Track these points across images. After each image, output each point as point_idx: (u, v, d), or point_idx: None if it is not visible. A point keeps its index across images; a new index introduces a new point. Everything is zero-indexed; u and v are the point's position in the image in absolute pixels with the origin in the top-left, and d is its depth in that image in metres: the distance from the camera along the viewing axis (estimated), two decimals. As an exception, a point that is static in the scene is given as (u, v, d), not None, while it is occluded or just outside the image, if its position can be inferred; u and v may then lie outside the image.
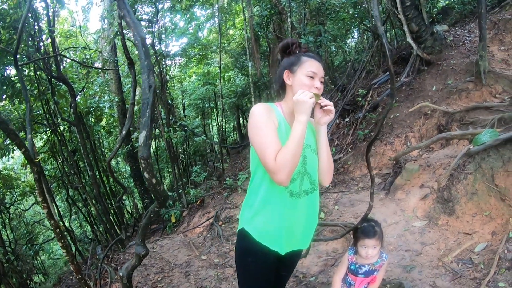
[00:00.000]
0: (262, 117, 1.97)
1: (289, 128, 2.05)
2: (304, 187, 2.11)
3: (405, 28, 7.56)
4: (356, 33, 13.40)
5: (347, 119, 8.36)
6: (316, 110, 2.14)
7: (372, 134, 7.30)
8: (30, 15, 6.97)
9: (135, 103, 6.67)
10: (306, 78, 2.05)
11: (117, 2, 2.01)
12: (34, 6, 7.29)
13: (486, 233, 4.06)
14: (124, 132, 4.47)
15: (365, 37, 11.66)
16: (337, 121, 8.51)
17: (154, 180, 1.98)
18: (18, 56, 5.07)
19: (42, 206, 4.36)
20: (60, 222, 8.35)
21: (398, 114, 7.09)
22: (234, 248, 2.22)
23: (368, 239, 2.69)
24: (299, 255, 2.38)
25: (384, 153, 6.74)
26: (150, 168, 1.94)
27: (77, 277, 4.66)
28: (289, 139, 1.91)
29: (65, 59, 9.50)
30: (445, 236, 4.31)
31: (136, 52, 10.40)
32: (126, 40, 6.20)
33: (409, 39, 7.58)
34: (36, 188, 4.29)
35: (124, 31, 7.35)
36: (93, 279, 6.14)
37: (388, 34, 10.42)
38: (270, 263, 2.12)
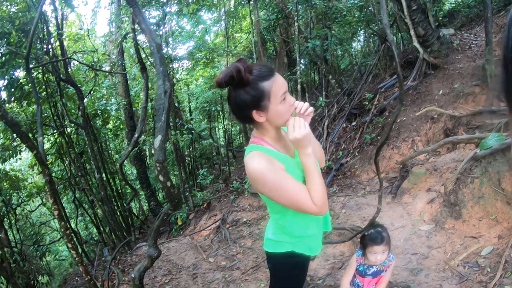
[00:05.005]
0: (271, 174, 1.77)
1: (288, 157, 1.94)
2: None
3: (412, 32, 7.57)
4: (362, 37, 13.43)
5: (354, 123, 8.37)
6: None
7: (379, 138, 7.31)
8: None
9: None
10: (281, 106, 1.77)
11: (133, 9, 2.03)
12: (43, 9, 7.37)
13: (493, 237, 4.07)
14: (136, 136, 4.51)
15: (371, 40, 11.68)
16: (344, 125, 8.52)
17: (169, 183, 2.01)
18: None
19: (53, 208, 4.41)
20: (67, 224, 8.39)
21: (405, 118, 7.10)
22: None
23: (376, 245, 2.72)
24: None
25: (391, 157, 6.75)
26: (165, 171, 1.97)
27: (86, 278, 4.69)
28: (309, 177, 1.83)
29: (73, 61, 9.59)
30: (452, 239, 4.32)
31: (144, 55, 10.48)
32: (134, 45, 6.25)
33: (416, 43, 7.59)
34: (47, 190, 4.33)
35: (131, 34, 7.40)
36: (100, 280, 6.17)
37: (394, 38, 10.43)
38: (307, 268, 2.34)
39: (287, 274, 2.23)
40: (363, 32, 12.27)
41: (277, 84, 1.73)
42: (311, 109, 1.88)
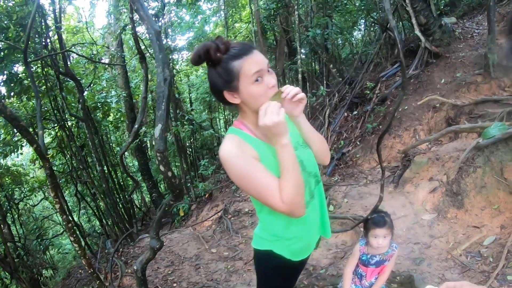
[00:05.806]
0: (239, 160, 1.62)
1: (267, 146, 1.73)
2: (312, 187, 1.90)
3: (413, 20, 7.50)
4: (363, 26, 13.35)
5: (355, 112, 8.34)
6: (284, 106, 1.65)
7: (381, 127, 7.29)
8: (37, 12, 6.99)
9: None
10: (255, 87, 1.59)
11: (131, -4, 2.01)
12: (41, 3, 7.31)
13: (495, 227, 4.07)
14: (136, 126, 4.47)
15: (372, 29, 11.60)
16: (345, 114, 8.49)
17: (170, 173, 1.99)
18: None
19: (54, 202, 4.39)
20: (69, 217, 8.40)
21: (406, 107, 7.07)
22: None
23: (378, 228, 2.71)
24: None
25: (392, 146, 6.73)
26: (166, 161, 1.94)
27: (89, 271, 4.70)
28: (283, 172, 1.61)
29: (72, 55, 9.54)
30: (454, 229, 4.32)
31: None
32: (133, 35, 6.19)
33: (417, 32, 7.53)
34: (48, 184, 4.31)
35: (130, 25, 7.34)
36: (103, 272, 6.18)
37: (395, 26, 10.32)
38: (299, 270, 2.16)
39: (266, 273, 2.09)
40: (363, 21, 12.20)
41: (250, 63, 1.56)
42: (302, 95, 1.68)
